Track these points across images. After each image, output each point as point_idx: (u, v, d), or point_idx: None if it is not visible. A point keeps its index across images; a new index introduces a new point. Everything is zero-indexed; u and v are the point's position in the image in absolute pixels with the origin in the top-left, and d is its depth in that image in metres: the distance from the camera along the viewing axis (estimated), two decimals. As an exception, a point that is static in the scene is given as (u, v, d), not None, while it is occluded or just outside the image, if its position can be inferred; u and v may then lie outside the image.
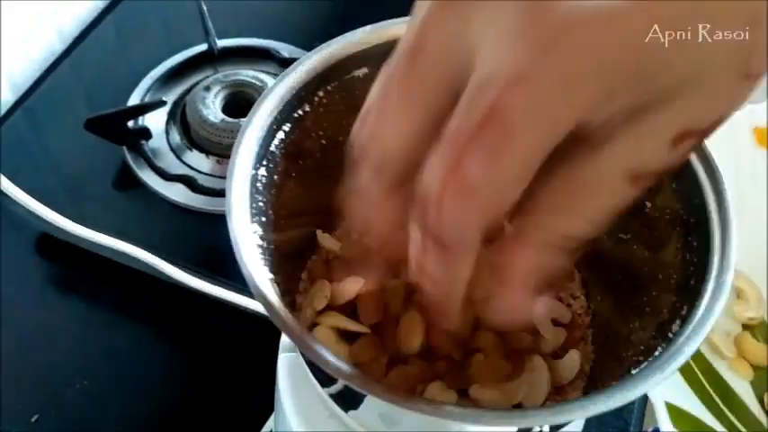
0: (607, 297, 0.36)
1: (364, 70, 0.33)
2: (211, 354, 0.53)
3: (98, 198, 0.56)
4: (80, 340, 0.54)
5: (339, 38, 0.32)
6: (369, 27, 0.32)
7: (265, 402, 0.47)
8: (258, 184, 0.30)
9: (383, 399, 0.23)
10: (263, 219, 0.30)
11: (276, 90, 0.30)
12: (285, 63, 0.63)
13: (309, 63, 0.31)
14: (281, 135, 0.31)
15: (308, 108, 0.32)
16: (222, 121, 0.56)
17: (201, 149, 0.57)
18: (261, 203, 0.30)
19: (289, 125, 0.32)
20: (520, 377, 0.33)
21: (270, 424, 0.49)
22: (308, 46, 0.64)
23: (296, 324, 0.24)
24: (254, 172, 0.29)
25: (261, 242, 0.29)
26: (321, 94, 0.32)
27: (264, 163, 0.30)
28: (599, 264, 0.36)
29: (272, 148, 0.31)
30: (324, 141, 0.34)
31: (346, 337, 0.34)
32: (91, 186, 0.56)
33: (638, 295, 0.32)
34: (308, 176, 0.35)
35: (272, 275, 0.27)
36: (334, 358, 0.24)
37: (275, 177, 0.31)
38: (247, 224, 0.28)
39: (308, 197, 0.35)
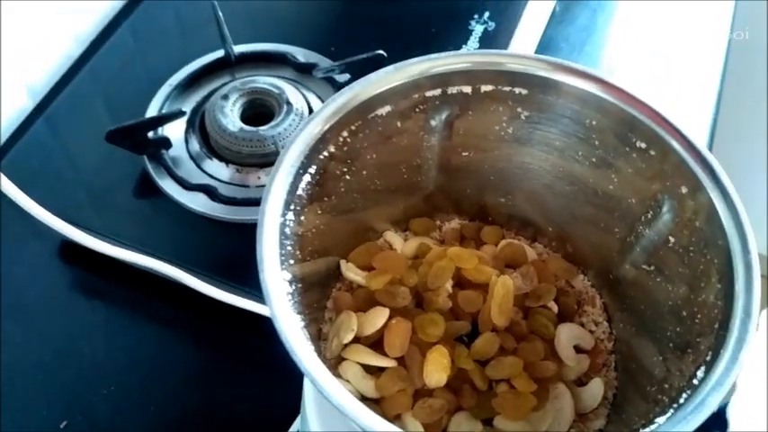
0: (629, 324, 0.36)
1: (387, 108, 0.33)
2: (236, 360, 0.53)
3: (119, 207, 0.56)
4: (106, 346, 0.54)
5: (361, 79, 0.32)
6: (391, 67, 0.32)
7: (288, 409, 0.48)
8: (286, 230, 0.30)
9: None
10: (292, 261, 0.31)
11: (301, 136, 0.31)
12: (301, 68, 0.63)
13: (334, 106, 0.31)
14: (306, 178, 0.31)
15: (332, 149, 0.32)
16: (241, 129, 0.56)
17: (221, 158, 0.57)
18: (289, 247, 0.30)
19: (314, 167, 0.32)
20: (545, 407, 0.34)
21: (292, 430, 0.50)
22: (324, 50, 0.64)
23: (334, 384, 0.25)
24: (282, 219, 0.30)
25: (289, 281, 0.29)
26: (345, 134, 0.32)
27: (291, 207, 0.31)
28: (621, 290, 0.37)
29: (299, 191, 0.31)
30: (348, 177, 0.34)
31: (372, 368, 0.34)
32: (111, 195, 0.57)
33: (661, 328, 0.32)
34: (332, 210, 0.35)
35: (303, 323, 0.28)
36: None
37: (302, 218, 0.32)
38: (278, 272, 0.28)
39: (332, 230, 0.35)
